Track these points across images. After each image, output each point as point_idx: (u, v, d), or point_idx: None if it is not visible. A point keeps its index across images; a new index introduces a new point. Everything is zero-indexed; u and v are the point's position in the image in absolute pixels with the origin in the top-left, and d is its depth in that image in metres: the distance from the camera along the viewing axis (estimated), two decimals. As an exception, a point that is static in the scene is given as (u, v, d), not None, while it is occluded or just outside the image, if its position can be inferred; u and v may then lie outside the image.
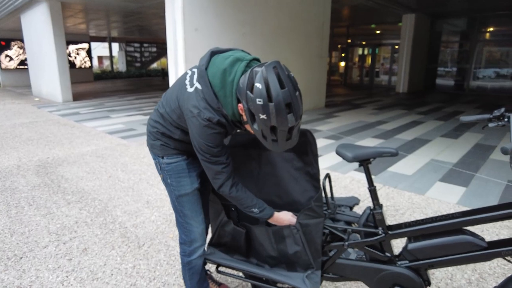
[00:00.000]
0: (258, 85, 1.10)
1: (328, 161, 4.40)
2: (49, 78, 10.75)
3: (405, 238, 2.26)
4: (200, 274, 1.66)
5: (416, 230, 1.43)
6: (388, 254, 1.50)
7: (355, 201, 2.74)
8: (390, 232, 1.47)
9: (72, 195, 3.35)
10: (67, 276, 2.10)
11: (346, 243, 1.53)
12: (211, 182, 1.40)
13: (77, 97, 11.63)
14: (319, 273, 1.53)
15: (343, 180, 3.72)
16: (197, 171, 1.55)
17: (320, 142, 5.38)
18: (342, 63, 18.22)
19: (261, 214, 1.45)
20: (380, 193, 3.35)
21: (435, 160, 4.42)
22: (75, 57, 18.63)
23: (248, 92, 1.13)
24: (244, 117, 1.24)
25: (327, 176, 1.55)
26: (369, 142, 5.40)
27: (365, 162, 1.48)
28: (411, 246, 1.45)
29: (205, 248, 1.68)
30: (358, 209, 2.91)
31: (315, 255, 1.52)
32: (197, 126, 1.25)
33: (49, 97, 11.09)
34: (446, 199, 3.21)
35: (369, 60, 17.51)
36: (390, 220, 2.79)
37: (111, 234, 2.61)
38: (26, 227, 2.71)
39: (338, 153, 1.53)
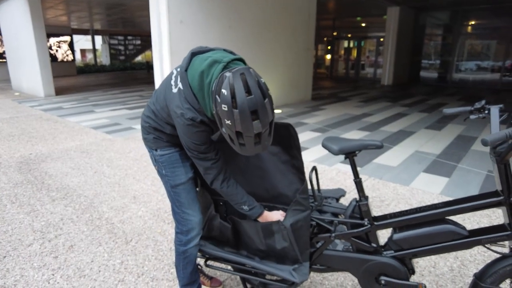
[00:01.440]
0: (224, 91, 1.09)
1: (314, 154, 4.44)
2: (29, 72, 10.45)
3: (391, 229, 2.31)
4: (194, 264, 1.68)
5: (400, 220, 1.46)
6: (374, 245, 1.54)
7: (341, 193, 2.78)
8: (375, 223, 1.51)
9: (56, 192, 3.29)
10: (53, 274, 2.07)
11: (333, 234, 1.55)
12: (204, 178, 1.45)
13: (59, 91, 11.36)
14: (307, 265, 1.56)
15: (329, 173, 3.76)
16: (191, 161, 1.58)
17: (307, 135, 5.41)
18: (328, 56, 18.30)
19: (251, 212, 1.49)
20: (366, 185, 3.41)
21: (419, 152, 4.52)
22: (57, 50, 18.15)
23: (217, 96, 1.13)
24: None
25: (314, 168, 1.57)
26: (355, 134, 5.46)
27: (350, 155, 1.50)
28: (396, 236, 1.49)
29: None
30: (345, 201, 2.96)
31: (303, 248, 1.54)
32: (182, 126, 1.28)
33: (30, 91, 10.79)
34: (429, 190, 3.28)
35: (354, 53, 17.63)
36: (375, 211, 2.85)
37: (97, 231, 2.58)
38: (9, 226, 2.65)
39: (324, 146, 1.55)
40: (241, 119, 1.07)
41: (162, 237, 2.49)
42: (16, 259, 2.22)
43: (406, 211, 1.48)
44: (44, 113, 7.55)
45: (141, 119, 1.58)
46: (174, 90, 1.32)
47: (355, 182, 1.52)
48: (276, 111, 7.51)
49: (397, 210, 2.88)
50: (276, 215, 1.53)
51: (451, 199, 3.05)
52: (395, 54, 13.11)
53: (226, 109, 1.08)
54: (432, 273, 2.07)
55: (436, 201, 3.04)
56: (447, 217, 1.42)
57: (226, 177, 1.43)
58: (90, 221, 2.73)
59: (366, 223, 1.51)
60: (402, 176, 3.63)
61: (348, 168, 3.92)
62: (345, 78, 17.05)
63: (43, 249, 2.34)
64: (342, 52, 19.13)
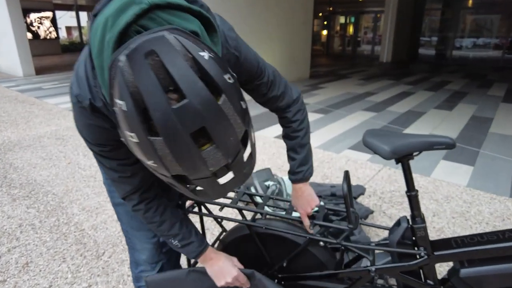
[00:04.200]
0: (121, 104, 0.52)
1: (319, 139, 3.97)
2: (6, 50, 9.66)
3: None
4: None
5: (474, 251, 1.00)
6: (430, 282, 1.09)
7: (361, 191, 2.33)
8: (435, 254, 1.05)
9: (19, 189, 2.79)
10: (-2, 305, 1.61)
11: (373, 268, 1.10)
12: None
13: (40, 70, 10.59)
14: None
15: (338, 161, 3.30)
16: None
17: (309, 117, 4.91)
18: (324, 32, 17.56)
19: (184, 250, 0.98)
20: (381, 175, 2.96)
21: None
22: (38, 27, 17.07)
23: (118, 114, 0.56)
24: None
25: (346, 174, 1.10)
26: (360, 115, 4.99)
27: (406, 158, 1.02)
28: (466, 272, 1.03)
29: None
30: (364, 200, 2.51)
31: None
32: (72, 108, 0.75)
33: (8, 71, 10.03)
34: (454, 181, 2.85)
35: (351, 29, 16.93)
36: (396, 209, 2.41)
37: (63, 240, 2.11)
38: (-46, 235, 2.16)
39: (367, 145, 1.07)
40: (173, 152, 0.53)
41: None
42: (-46, 284, 1.75)
43: (481, 236, 1.03)
44: (21, 94, 6.91)
45: None
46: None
47: (409, 196, 1.05)
48: (272, 90, 6.97)
49: (422, 206, 2.45)
50: (231, 269, 1.03)
51: (482, 192, 2.63)
52: (394, 30, 12.48)
53: (136, 140, 0.54)
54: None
55: (464, 195, 2.61)
56: None
57: (148, 201, 0.92)
58: (55, 227, 2.25)
59: (422, 254, 1.05)
60: (420, 165, 3.18)
61: (359, 155, 3.46)
62: (341, 55, 16.41)
63: (-9, 268, 1.87)
64: (339, 28, 18.39)
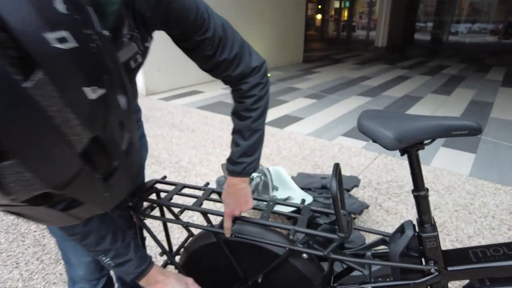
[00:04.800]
0: None
1: (310, 126, 3.72)
2: None
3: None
4: None
5: (500, 267, 0.78)
6: (442, 304, 0.86)
7: (355, 182, 2.09)
8: (449, 269, 0.82)
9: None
10: None
11: (369, 286, 0.87)
12: None
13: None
14: None
15: (330, 149, 3.07)
16: None
17: (300, 102, 4.66)
18: (319, 16, 17.14)
19: (119, 270, 0.77)
20: (377, 164, 2.74)
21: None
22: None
23: None
24: None
25: (336, 167, 0.85)
26: (355, 100, 4.74)
27: (414, 148, 0.78)
28: (488, 293, 0.81)
29: None
30: (359, 192, 2.28)
31: None
32: None
33: None
34: (456, 170, 2.64)
35: (346, 14, 16.55)
36: (394, 201, 2.20)
37: (19, 242, 1.86)
38: None
39: (364, 130, 0.82)
40: None
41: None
42: None
43: (509, 246, 0.80)
44: None
45: None
46: None
47: (416, 197, 0.82)
48: (263, 75, 6.68)
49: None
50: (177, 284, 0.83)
51: (486, 182, 2.42)
52: (390, 15, 12.14)
53: None
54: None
55: (467, 185, 2.40)
56: None
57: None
58: (13, 225, 2.00)
59: (432, 270, 0.82)
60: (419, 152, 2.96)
61: (353, 142, 3.23)
62: (336, 40, 16.04)
63: None
64: (333, 12, 17.95)
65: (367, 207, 1.80)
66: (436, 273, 0.82)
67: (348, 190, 1.94)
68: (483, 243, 1.83)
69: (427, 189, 0.82)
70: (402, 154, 0.80)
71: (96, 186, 0.41)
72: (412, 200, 2.23)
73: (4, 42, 0.28)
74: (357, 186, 2.00)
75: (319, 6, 16.99)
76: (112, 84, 0.38)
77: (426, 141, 0.76)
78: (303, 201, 1.06)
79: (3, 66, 0.28)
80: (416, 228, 0.85)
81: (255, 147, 0.85)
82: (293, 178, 2.09)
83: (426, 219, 0.82)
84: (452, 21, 13.41)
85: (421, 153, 2.96)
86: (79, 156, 0.35)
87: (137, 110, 0.99)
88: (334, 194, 0.78)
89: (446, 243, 1.82)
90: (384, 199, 2.23)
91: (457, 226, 1.96)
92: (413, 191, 0.82)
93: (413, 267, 0.83)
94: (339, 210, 0.80)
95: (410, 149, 0.78)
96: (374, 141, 0.78)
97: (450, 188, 2.38)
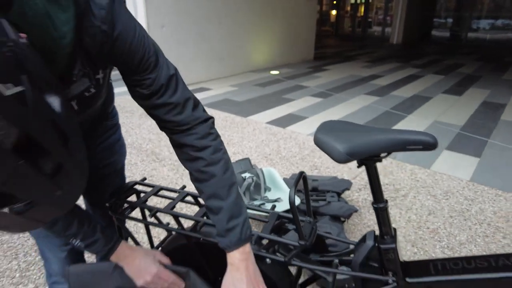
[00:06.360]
0: None
1: (313, 125, 3.71)
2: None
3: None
4: None
5: (459, 281, 0.78)
6: (402, 314, 0.87)
7: (346, 186, 2.09)
8: (408, 280, 0.83)
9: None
10: None
11: (331, 294, 0.89)
12: None
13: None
14: None
15: (331, 150, 3.06)
16: None
17: (305, 101, 4.65)
18: (334, 12, 16.92)
19: (90, 249, 0.81)
20: (375, 167, 2.72)
21: (439, 122, 3.78)
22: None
23: None
24: None
25: (301, 176, 0.86)
26: (362, 99, 4.69)
27: (371, 162, 0.79)
28: (447, 306, 0.82)
29: None
30: (353, 194, 2.28)
31: None
32: None
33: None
34: (456, 175, 2.60)
35: (362, 9, 16.27)
36: (388, 206, 2.18)
37: (20, 234, 1.95)
38: None
39: (319, 144, 0.83)
40: None
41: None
42: None
43: (468, 260, 0.80)
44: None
45: None
46: None
47: (376, 209, 0.83)
48: (273, 72, 6.67)
49: (417, 202, 2.22)
50: (149, 267, 0.85)
51: (486, 188, 2.37)
52: (406, 10, 11.87)
53: None
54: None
55: (466, 191, 2.37)
56: None
57: None
58: (16, 218, 2.09)
59: (390, 281, 0.83)
60: (420, 155, 2.92)
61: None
62: (351, 36, 15.81)
63: None
64: (349, 8, 17.67)
65: (355, 210, 1.80)
66: (395, 284, 0.83)
67: (339, 194, 1.94)
68: (474, 250, 1.80)
69: (387, 201, 0.82)
70: (358, 167, 0.80)
71: (42, 183, 0.44)
72: (407, 204, 2.21)
73: None
74: (348, 189, 2.00)
75: (334, 2, 16.75)
76: (34, 84, 0.41)
77: (382, 154, 0.77)
78: (273, 206, 1.08)
79: None
80: (377, 238, 0.86)
81: (239, 204, 0.76)
82: (285, 179, 2.10)
83: (386, 231, 0.83)
84: (471, 16, 13.02)
85: (421, 155, 2.92)
86: (10, 151, 0.38)
87: (114, 115, 1.02)
88: (292, 202, 0.79)
89: (436, 250, 1.81)
90: (378, 203, 2.22)
91: (450, 232, 1.94)
92: (372, 204, 0.83)
93: (372, 277, 0.85)
94: (297, 218, 0.82)
95: (366, 161, 0.79)
96: (327, 154, 0.79)
97: (448, 193, 2.35)
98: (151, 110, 0.72)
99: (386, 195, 2.31)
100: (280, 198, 1.88)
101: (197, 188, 0.78)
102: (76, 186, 0.51)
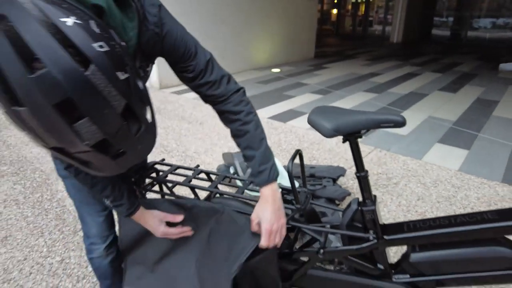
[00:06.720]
0: None
1: (313, 120, 3.89)
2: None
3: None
4: (110, 279, 1.25)
5: (425, 236, 0.96)
6: (380, 266, 1.06)
7: (340, 172, 2.28)
8: (385, 237, 1.01)
9: (9, 166, 2.82)
10: (-28, 277, 1.65)
11: (321, 250, 1.07)
12: None
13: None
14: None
15: (328, 143, 3.24)
16: None
17: (305, 98, 4.83)
18: (334, 11, 17.06)
19: (116, 209, 1.02)
20: (370, 158, 2.90)
21: (433, 118, 3.95)
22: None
23: None
24: None
25: (297, 153, 1.05)
26: (360, 96, 4.87)
27: (352, 137, 0.97)
28: (416, 257, 1.00)
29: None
30: (348, 182, 2.46)
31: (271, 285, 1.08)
32: None
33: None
34: (446, 165, 2.77)
35: (362, 8, 16.40)
36: (381, 192, 2.36)
37: (44, 216, 2.14)
38: None
39: (311, 123, 1.01)
40: (42, 124, 0.51)
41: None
42: None
43: (434, 220, 0.98)
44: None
45: None
46: None
47: (358, 178, 1.01)
48: (274, 70, 6.85)
49: (408, 189, 2.40)
50: (157, 228, 1.04)
51: (473, 177, 2.55)
52: (406, 9, 12.02)
53: (4, 109, 0.53)
54: None
55: (454, 179, 2.54)
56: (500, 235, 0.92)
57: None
58: (38, 203, 2.28)
59: (371, 237, 1.02)
60: (413, 148, 3.10)
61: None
62: (352, 35, 15.97)
63: (-29, 241, 1.91)
64: (350, 7, 17.82)
65: (348, 194, 1.98)
66: (374, 241, 1.01)
67: (335, 180, 2.12)
68: (457, 230, 1.98)
69: (367, 171, 1.00)
70: (344, 142, 0.98)
71: (132, 139, 0.61)
72: (398, 191, 2.39)
73: (72, 53, 0.50)
74: (342, 175, 2.18)
75: (335, 1, 16.90)
76: (132, 72, 0.59)
77: (362, 131, 0.95)
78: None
79: (74, 65, 0.49)
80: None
81: (268, 153, 0.95)
82: (285, 167, 2.29)
83: (367, 196, 1.01)
84: (471, 15, 13.16)
85: (415, 148, 3.13)
86: (119, 115, 0.56)
87: None
88: (289, 171, 0.98)
89: (423, 230, 1.99)
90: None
91: (436, 215, 2.12)
92: (355, 173, 1.01)
93: (356, 234, 1.03)
94: (294, 186, 1.00)
95: (349, 137, 0.97)
96: (317, 131, 0.97)
97: (437, 181, 2.53)
98: (196, 89, 0.93)
99: (379, 183, 2.49)
100: (281, 183, 2.06)
101: (236, 141, 0.98)
102: (150, 143, 0.68)
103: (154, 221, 1.04)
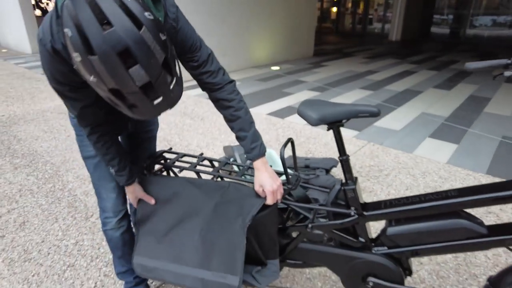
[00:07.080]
0: (67, 31, 0.71)
1: (311, 116, 4.04)
2: (15, 27, 9.82)
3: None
4: (121, 250, 1.43)
5: (398, 212, 1.12)
6: (362, 239, 1.21)
7: (333, 163, 2.44)
8: (365, 213, 1.17)
9: (21, 158, 2.98)
10: (-4, 257, 1.81)
11: (310, 225, 1.23)
12: None
13: (48, 47, 10.74)
14: (277, 262, 1.25)
15: (324, 137, 3.40)
16: None
17: (304, 95, 4.98)
18: (334, 9, 17.16)
19: (116, 177, 1.22)
20: (364, 151, 3.06)
21: (426, 114, 4.10)
22: (47, 4, 17.13)
23: (66, 39, 0.74)
24: None
25: (289, 141, 1.21)
26: (356, 93, 5.02)
27: (335, 125, 1.12)
28: (392, 230, 1.15)
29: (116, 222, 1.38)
30: (341, 174, 2.62)
31: (269, 247, 1.22)
32: (39, 50, 0.93)
33: (17, 48, 10.23)
34: (435, 158, 2.93)
35: (362, 6, 16.49)
36: (372, 182, 2.52)
37: (57, 204, 2.30)
38: (-40, 197, 2.37)
39: (300, 113, 1.17)
40: (107, 69, 0.70)
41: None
42: (-42, 238, 1.96)
43: (407, 198, 1.14)
44: (28, 70, 7.10)
45: None
46: None
47: (341, 161, 1.16)
48: (274, 67, 6.99)
49: (397, 181, 2.55)
50: (132, 198, 1.29)
51: (460, 169, 2.71)
52: (405, 7, 12.14)
53: (79, 59, 0.71)
54: (432, 260, 1.77)
55: (442, 171, 2.70)
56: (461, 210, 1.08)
57: (98, 131, 1.11)
58: (51, 192, 2.44)
59: (352, 213, 1.17)
60: (405, 142, 3.26)
61: (347, 132, 3.55)
62: (351, 33, 16.08)
63: (-9, 226, 2.07)
64: (350, 5, 17.91)
65: (341, 183, 2.14)
66: (356, 216, 1.17)
67: (328, 170, 2.28)
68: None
69: (348, 155, 1.16)
70: (328, 130, 1.14)
71: (168, 86, 0.79)
72: (388, 181, 2.55)
73: (131, 18, 0.70)
74: (335, 166, 2.33)
75: (335, -1, 16.99)
76: (167, 36, 0.79)
77: (344, 120, 1.10)
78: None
79: (132, 26, 0.69)
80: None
81: (257, 134, 1.15)
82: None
83: (348, 177, 1.17)
84: (470, 13, 13.24)
85: (407, 142, 3.33)
86: (160, 65, 0.75)
87: None
88: (282, 156, 1.13)
89: (409, 216, 2.14)
90: (363, 180, 2.56)
91: (422, 203, 2.27)
92: (338, 157, 1.17)
93: (339, 210, 1.18)
94: (286, 168, 1.16)
95: (332, 125, 1.12)
96: (305, 120, 1.13)
97: (426, 173, 2.68)
98: (198, 76, 1.11)
99: (370, 175, 2.64)
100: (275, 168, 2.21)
101: (229, 125, 1.17)
102: (179, 93, 0.85)
103: (131, 196, 1.28)
